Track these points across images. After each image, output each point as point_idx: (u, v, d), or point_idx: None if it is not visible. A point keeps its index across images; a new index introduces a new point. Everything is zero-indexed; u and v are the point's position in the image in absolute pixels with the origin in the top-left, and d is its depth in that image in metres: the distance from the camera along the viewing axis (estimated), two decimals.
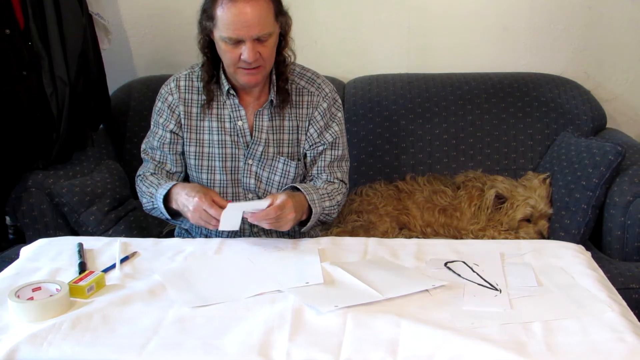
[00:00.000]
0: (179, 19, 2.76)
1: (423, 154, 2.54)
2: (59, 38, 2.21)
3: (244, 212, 1.61)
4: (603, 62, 2.75)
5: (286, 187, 1.83)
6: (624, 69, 2.76)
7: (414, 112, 2.56)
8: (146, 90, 2.61)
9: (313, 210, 1.73)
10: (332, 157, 1.87)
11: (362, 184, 2.51)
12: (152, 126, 1.89)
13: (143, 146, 1.91)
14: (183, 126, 1.84)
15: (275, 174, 1.85)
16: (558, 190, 2.25)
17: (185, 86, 1.84)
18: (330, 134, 1.86)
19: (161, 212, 1.80)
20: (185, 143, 1.86)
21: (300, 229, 1.79)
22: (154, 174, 1.86)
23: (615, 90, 2.78)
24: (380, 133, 2.55)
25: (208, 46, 1.78)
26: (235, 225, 1.63)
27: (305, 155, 1.88)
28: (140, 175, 1.89)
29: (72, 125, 2.27)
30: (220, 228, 1.61)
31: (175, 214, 1.80)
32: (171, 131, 1.84)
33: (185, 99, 1.84)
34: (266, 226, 1.63)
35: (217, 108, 1.83)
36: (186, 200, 1.67)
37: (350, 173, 2.54)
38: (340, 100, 1.90)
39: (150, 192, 1.81)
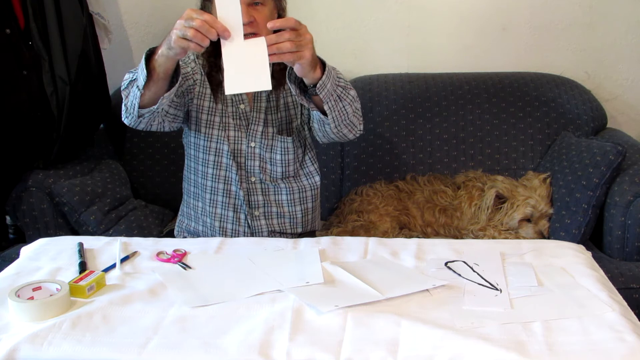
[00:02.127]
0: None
1: (423, 154, 2.54)
2: (59, 37, 2.21)
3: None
4: (603, 62, 2.75)
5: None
6: (624, 69, 2.76)
7: (414, 112, 2.56)
8: None
9: (326, 65, 1.59)
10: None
11: (363, 183, 2.51)
12: None
13: None
14: (197, 90, 1.86)
15: (276, 153, 1.90)
16: (558, 190, 2.25)
17: (202, 64, 1.89)
18: None
19: (138, 77, 1.63)
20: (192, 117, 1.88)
21: (315, 86, 1.61)
22: None
23: (615, 90, 2.78)
24: (380, 133, 2.55)
25: None
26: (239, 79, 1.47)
27: (302, 116, 1.90)
28: None
29: (72, 125, 2.27)
30: (227, 88, 1.46)
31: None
32: (184, 75, 1.82)
33: (201, 73, 1.88)
34: (287, 47, 1.46)
35: (221, 93, 1.87)
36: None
37: (350, 173, 2.55)
38: None
39: (135, 68, 1.68)
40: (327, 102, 1.63)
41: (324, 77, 1.58)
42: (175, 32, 1.50)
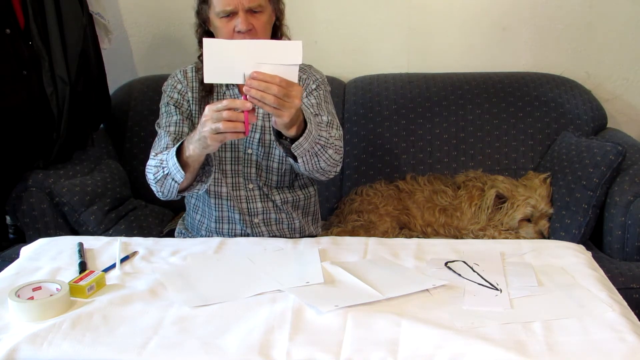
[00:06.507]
0: (179, 19, 2.76)
1: (423, 154, 2.54)
2: (59, 37, 2.21)
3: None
4: (603, 62, 2.75)
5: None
6: (624, 69, 2.76)
7: (414, 112, 2.56)
8: (146, 90, 2.61)
9: (308, 126, 1.58)
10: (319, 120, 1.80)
11: (363, 183, 2.51)
12: (164, 113, 1.88)
13: (157, 126, 1.89)
14: (192, 112, 1.88)
15: (273, 161, 1.89)
16: (558, 189, 2.25)
17: (192, 76, 1.91)
18: (315, 97, 1.85)
19: (171, 173, 1.68)
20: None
21: (292, 144, 1.61)
22: (168, 146, 1.78)
23: (615, 90, 2.78)
24: (380, 133, 2.55)
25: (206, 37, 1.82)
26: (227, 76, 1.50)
27: None
28: (151, 156, 1.80)
29: (72, 125, 2.27)
30: (206, 80, 1.49)
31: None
32: (186, 109, 1.87)
33: (192, 87, 1.89)
34: (269, 101, 1.45)
35: (217, 99, 1.89)
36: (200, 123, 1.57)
37: (350, 173, 2.55)
38: (329, 87, 1.94)
39: (161, 159, 1.73)
40: (301, 157, 1.64)
41: (301, 138, 1.57)
42: (207, 130, 1.52)
